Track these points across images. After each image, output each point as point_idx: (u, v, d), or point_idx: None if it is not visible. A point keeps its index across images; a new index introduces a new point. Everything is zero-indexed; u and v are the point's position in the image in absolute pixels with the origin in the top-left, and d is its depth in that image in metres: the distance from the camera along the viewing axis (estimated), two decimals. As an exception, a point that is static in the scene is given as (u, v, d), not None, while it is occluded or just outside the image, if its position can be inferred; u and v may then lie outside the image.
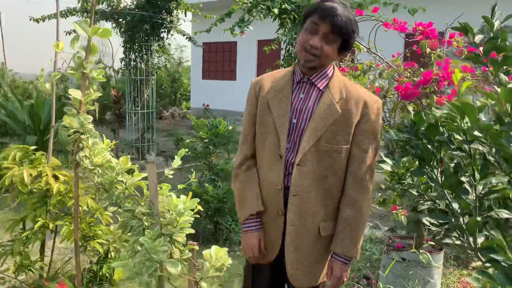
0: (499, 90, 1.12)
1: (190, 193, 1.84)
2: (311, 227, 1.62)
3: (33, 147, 2.92)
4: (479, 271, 0.86)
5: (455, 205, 1.37)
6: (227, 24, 5.05)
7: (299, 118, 1.61)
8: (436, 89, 2.18)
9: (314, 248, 1.65)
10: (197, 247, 1.89)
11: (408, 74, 2.59)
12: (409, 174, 1.81)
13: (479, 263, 1.27)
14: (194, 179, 2.13)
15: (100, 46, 14.28)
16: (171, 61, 14.90)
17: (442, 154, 1.37)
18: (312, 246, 1.65)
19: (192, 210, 1.89)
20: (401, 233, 3.46)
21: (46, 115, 6.13)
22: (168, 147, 8.84)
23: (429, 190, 1.55)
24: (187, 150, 2.20)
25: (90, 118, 1.77)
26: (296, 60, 1.69)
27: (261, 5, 4.52)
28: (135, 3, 7.12)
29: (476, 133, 1.12)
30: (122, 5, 7.05)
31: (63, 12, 6.85)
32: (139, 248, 1.82)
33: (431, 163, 1.40)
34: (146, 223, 1.79)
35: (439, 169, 1.39)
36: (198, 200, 1.81)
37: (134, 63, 7.25)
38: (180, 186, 2.09)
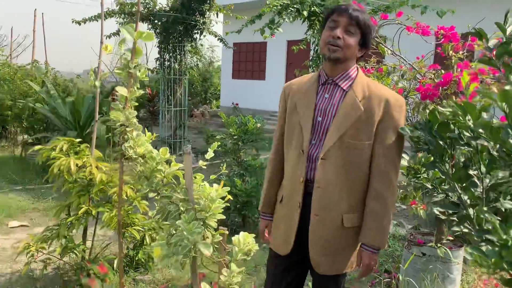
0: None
1: (222, 182, 2.02)
2: (334, 217, 1.75)
3: (78, 140, 3.19)
4: (473, 247, 0.99)
5: (465, 197, 1.49)
6: (258, 25, 5.22)
7: (324, 116, 1.76)
8: (457, 90, 2.28)
9: (337, 238, 1.77)
10: (227, 232, 2.07)
11: (432, 75, 2.69)
12: (424, 169, 1.93)
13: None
14: (224, 170, 2.31)
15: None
16: (203, 61, 15.23)
17: (453, 150, 1.49)
18: (335, 236, 1.76)
19: (223, 198, 2.07)
20: (424, 231, 3.53)
21: (85, 111, 6.48)
22: (199, 144, 9.11)
23: (443, 184, 1.67)
24: (219, 143, 2.39)
25: (135, 113, 1.98)
26: (321, 65, 1.85)
27: (291, 8, 4.67)
28: (169, 5, 7.41)
29: (480, 130, 1.25)
30: (157, 7, 7.35)
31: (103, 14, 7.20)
32: (174, 232, 2.02)
33: (443, 158, 1.52)
34: (182, 208, 1.98)
35: (450, 163, 1.52)
36: (228, 188, 1.99)
37: (168, 63, 7.55)
38: (212, 177, 2.28)
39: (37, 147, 3.24)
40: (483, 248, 1.04)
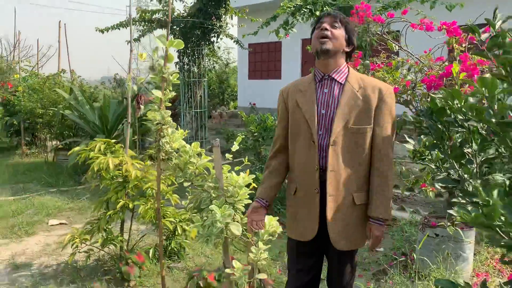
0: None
1: (248, 171, 2.27)
2: (347, 197, 1.98)
3: (114, 140, 3.49)
4: (458, 206, 1.21)
5: (465, 175, 1.71)
6: (272, 26, 5.44)
7: (328, 108, 2.00)
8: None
9: (352, 215, 2.00)
10: (254, 214, 2.31)
11: (438, 67, 2.89)
12: (428, 151, 2.15)
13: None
14: (247, 162, 2.56)
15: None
16: (219, 63, 15.54)
17: (450, 132, 1.70)
18: (350, 214, 1.99)
19: (248, 186, 2.32)
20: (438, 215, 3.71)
21: (112, 115, 6.83)
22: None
23: (445, 164, 1.88)
24: (243, 136, 2.64)
25: (169, 112, 2.25)
26: (314, 65, 2.08)
27: (304, 9, 4.89)
28: (187, 11, 7.71)
29: (470, 113, 1.46)
30: (175, 13, 7.67)
31: (124, 23, 7.56)
32: (206, 218, 2.28)
33: (442, 140, 1.74)
34: (213, 195, 2.24)
35: (449, 144, 1.73)
36: (254, 176, 2.24)
37: (188, 67, 7.85)
38: (237, 168, 2.54)
39: (75, 149, 3.56)
40: (469, 208, 1.26)
